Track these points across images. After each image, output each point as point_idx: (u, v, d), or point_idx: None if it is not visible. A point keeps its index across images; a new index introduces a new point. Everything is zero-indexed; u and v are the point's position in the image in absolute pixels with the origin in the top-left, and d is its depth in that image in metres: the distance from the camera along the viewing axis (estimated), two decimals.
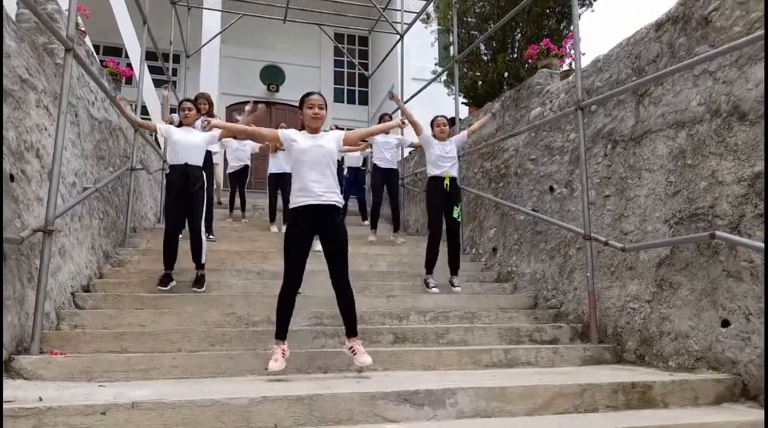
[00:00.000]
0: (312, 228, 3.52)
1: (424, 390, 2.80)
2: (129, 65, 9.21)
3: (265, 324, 4.29)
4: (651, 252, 4.03)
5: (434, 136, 5.72)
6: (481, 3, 8.12)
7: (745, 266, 3.26)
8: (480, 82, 8.20)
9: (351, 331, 3.52)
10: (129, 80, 7.76)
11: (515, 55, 7.93)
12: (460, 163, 5.70)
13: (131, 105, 6.84)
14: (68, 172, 4.42)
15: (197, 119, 5.41)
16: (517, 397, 2.91)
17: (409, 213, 9.39)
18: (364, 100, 16.51)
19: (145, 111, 9.45)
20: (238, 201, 8.86)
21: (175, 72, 11.74)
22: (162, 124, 5.23)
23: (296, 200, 3.51)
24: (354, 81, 16.73)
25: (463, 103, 8.44)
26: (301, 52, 15.79)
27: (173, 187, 5.03)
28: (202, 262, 4.99)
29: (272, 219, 8.00)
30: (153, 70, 10.82)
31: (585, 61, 5.09)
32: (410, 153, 10.08)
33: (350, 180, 9.29)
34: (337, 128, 10.60)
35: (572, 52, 5.55)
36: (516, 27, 7.88)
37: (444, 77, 8.82)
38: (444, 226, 5.58)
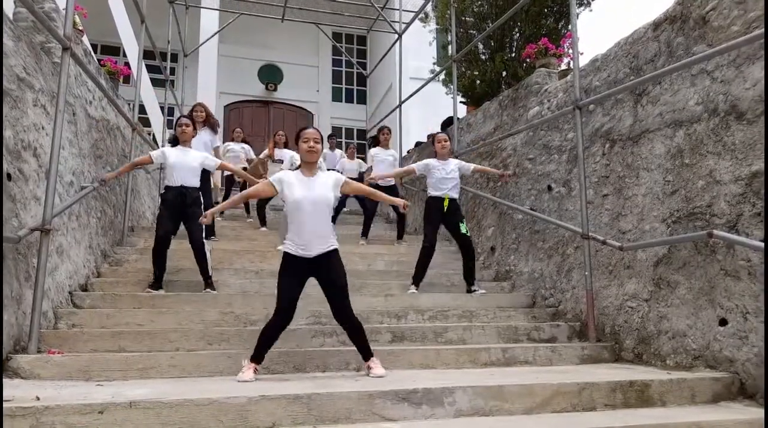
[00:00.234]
0: (307, 273, 3.45)
1: (423, 389, 2.80)
2: (127, 64, 9.20)
3: (263, 323, 4.24)
4: (649, 251, 4.03)
5: (435, 152, 5.63)
6: (480, 2, 8.12)
7: (743, 265, 3.27)
8: (478, 81, 8.20)
9: (366, 356, 3.47)
10: (127, 79, 7.77)
11: (513, 55, 7.93)
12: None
13: (129, 104, 6.83)
14: (66, 171, 4.42)
15: (194, 136, 5.33)
16: (515, 396, 2.91)
17: (408, 212, 9.37)
18: (362, 100, 16.50)
19: (142, 110, 9.42)
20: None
21: (173, 71, 11.74)
22: (154, 151, 5.16)
23: (290, 246, 3.42)
24: (352, 80, 16.72)
25: (461, 102, 8.44)
26: (300, 51, 15.77)
27: (168, 206, 4.95)
28: (210, 275, 4.96)
29: (262, 223, 7.92)
30: (151, 69, 10.82)
31: (583, 61, 5.09)
32: (408, 151, 10.08)
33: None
34: (334, 136, 10.61)
35: (570, 51, 5.55)
36: (514, 26, 7.88)
37: (442, 76, 8.82)
38: (458, 245, 5.54)
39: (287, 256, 3.45)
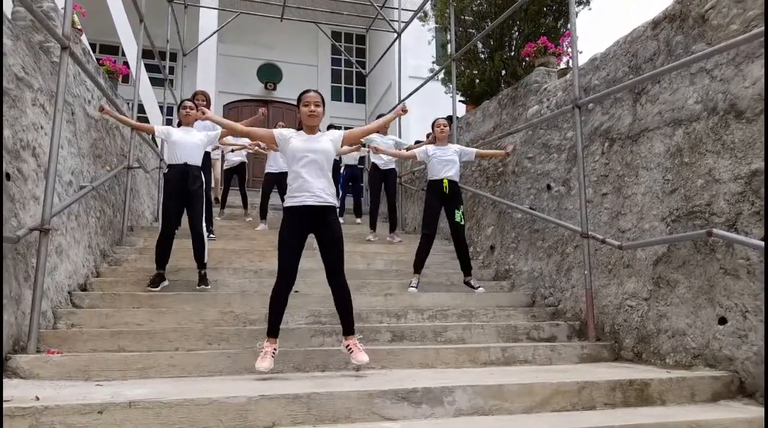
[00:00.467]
0: (306, 228, 3.49)
1: (422, 389, 2.80)
2: (126, 63, 9.18)
3: (262, 322, 4.28)
4: (648, 250, 4.03)
5: (434, 137, 5.66)
6: (479, 1, 8.11)
7: (742, 264, 3.27)
8: (477, 80, 8.19)
9: (348, 330, 3.51)
10: (126, 78, 7.75)
11: (512, 53, 7.92)
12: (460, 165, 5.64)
13: (128, 104, 6.82)
14: (65, 170, 4.41)
15: (196, 120, 5.37)
16: (515, 395, 2.91)
17: (407, 211, 9.38)
18: (361, 99, 16.50)
19: (141, 109, 9.41)
20: (231, 199, 8.82)
21: (172, 70, 11.72)
22: (160, 126, 5.18)
23: (291, 200, 3.50)
24: (351, 79, 16.72)
25: (460, 100, 8.43)
26: (299, 50, 15.77)
27: (171, 186, 4.95)
28: (204, 262, 4.96)
29: (263, 216, 7.92)
30: (150, 68, 10.79)
31: (582, 59, 5.09)
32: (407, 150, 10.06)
33: (347, 178, 9.35)
34: (334, 127, 10.62)
35: (569, 50, 5.55)
36: (513, 25, 7.88)
37: (441, 75, 8.81)
38: (450, 231, 5.56)
39: (286, 211, 3.50)
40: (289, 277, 3.45)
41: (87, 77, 4.91)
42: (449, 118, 7.37)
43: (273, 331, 3.45)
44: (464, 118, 7.63)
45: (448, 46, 8.18)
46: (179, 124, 5.27)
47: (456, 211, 5.44)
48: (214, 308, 4.42)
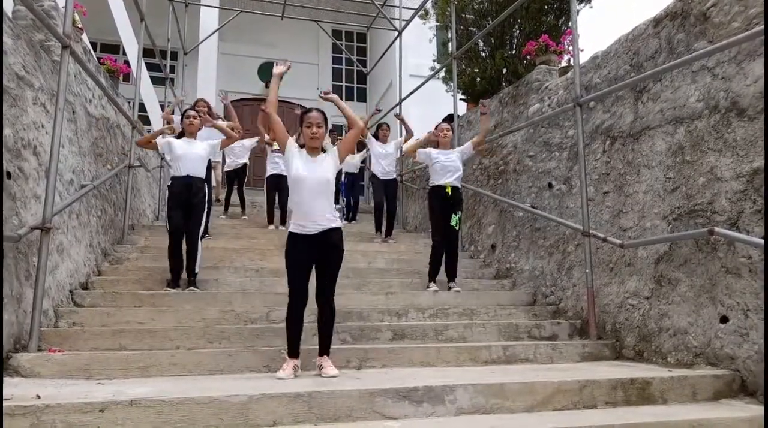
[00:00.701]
0: (312, 251, 3.45)
1: (423, 387, 2.80)
2: (126, 62, 9.18)
3: (263, 321, 4.29)
4: (650, 248, 4.02)
5: (436, 143, 5.64)
6: None
7: (744, 262, 3.26)
8: (478, 79, 8.18)
9: (324, 350, 3.45)
10: (126, 77, 7.74)
11: (513, 52, 7.91)
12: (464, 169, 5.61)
13: (128, 103, 6.82)
14: (65, 169, 4.41)
15: (200, 129, 5.37)
16: (516, 394, 2.91)
17: (408, 210, 9.38)
18: (362, 97, 16.48)
19: (142, 108, 9.42)
20: (234, 199, 8.87)
21: (173, 69, 11.72)
22: (161, 139, 5.16)
23: (295, 226, 3.46)
24: (352, 78, 16.69)
25: (461, 99, 8.43)
26: (299, 48, 15.73)
27: (175, 198, 4.97)
28: (195, 272, 4.97)
29: (270, 220, 7.98)
30: (150, 67, 10.78)
31: (583, 58, 5.08)
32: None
33: (347, 185, 9.43)
34: (335, 132, 10.63)
35: (571, 48, 5.54)
36: (514, 23, 7.86)
37: (442, 73, 8.80)
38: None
39: (290, 236, 3.48)
40: (301, 296, 3.40)
41: (88, 76, 4.91)
42: (450, 117, 7.38)
43: (293, 352, 3.40)
44: (465, 117, 7.62)
45: (449, 44, 8.16)
46: (182, 135, 5.21)
47: (453, 216, 5.40)
48: (215, 307, 4.42)
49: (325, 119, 3.60)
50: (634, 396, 3.05)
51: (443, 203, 5.42)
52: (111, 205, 5.83)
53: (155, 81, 10.77)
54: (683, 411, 2.88)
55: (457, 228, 5.46)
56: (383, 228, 7.58)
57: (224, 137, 5.36)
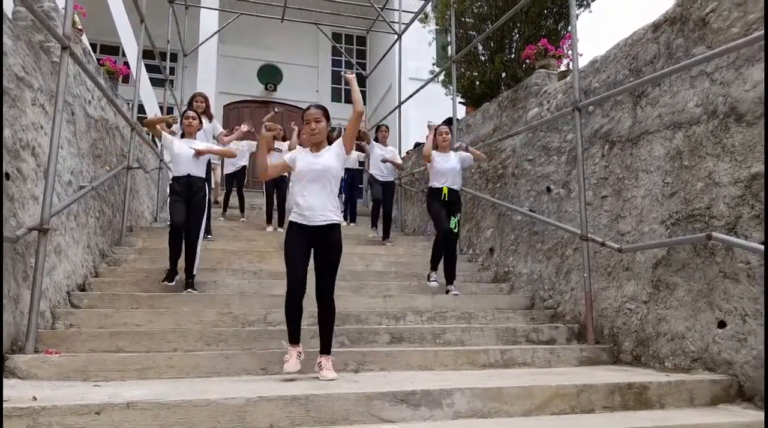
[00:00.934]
0: (309, 242, 3.47)
1: (421, 391, 2.79)
2: (126, 64, 9.18)
3: (261, 323, 4.28)
4: (648, 253, 4.03)
5: (436, 146, 5.65)
6: (479, 3, 8.11)
7: (742, 267, 3.27)
8: (478, 82, 8.20)
9: (324, 349, 3.44)
10: (126, 79, 7.75)
11: (513, 56, 7.93)
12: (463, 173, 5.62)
13: (128, 104, 6.82)
14: (64, 170, 4.41)
15: (199, 130, 5.43)
16: (514, 398, 2.91)
17: (407, 213, 9.38)
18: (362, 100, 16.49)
19: (141, 110, 9.41)
20: (233, 201, 8.90)
21: (172, 71, 11.72)
22: (167, 134, 5.20)
23: (294, 216, 3.50)
24: None
25: (460, 102, 8.44)
26: (299, 51, 15.75)
27: (176, 194, 5.07)
28: (194, 273, 4.98)
29: (269, 221, 8.01)
30: (150, 68, 10.79)
31: (582, 62, 5.09)
32: (408, 152, 10.07)
33: (348, 182, 9.40)
34: (335, 129, 10.64)
35: (570, 52, 5.55)
36: (514, 27, 7.88)
37: (442, 77, 8.81)
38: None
39: (291, 225, 3.50)
40: (298, 282, 3.41)
41: (87, 77, 4.90)
42: (449, 121, 7.38)
43: (293, 339, 3.43)
44: (464, 120, 7.63)
45: (449, 47, 8.18)
46: (182, 135, 5.26)
47: (452, 218, 5.42)
48: (213, 309, 4.41)
49: (326, 114, 3.62)
50: (631, 400, 3.05)
51: (442, 203, 5.44)
52: (109, 206, 5.82)
53: (155, 83, 10.77)
54: (681, 415, 2.88)
55: (455, 230, 5.47)
56: (379, 226, 7.59)
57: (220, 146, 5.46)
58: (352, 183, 9.55)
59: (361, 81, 16.11)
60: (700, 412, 2.97)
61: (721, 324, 3.38)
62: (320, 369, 3.35)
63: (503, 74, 7.93)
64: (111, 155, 5.93)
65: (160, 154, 8.14)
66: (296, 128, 7.38)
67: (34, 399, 2.46)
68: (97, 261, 5.22)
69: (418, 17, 9.33)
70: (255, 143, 8.56)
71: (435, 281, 5.42)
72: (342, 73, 3.93)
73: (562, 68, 6.10)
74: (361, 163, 9.34)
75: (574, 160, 4.92)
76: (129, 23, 9.62)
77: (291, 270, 3.42)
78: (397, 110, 10.04)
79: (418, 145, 10.06)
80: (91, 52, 5.85)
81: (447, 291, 5.36)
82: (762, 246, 2.93)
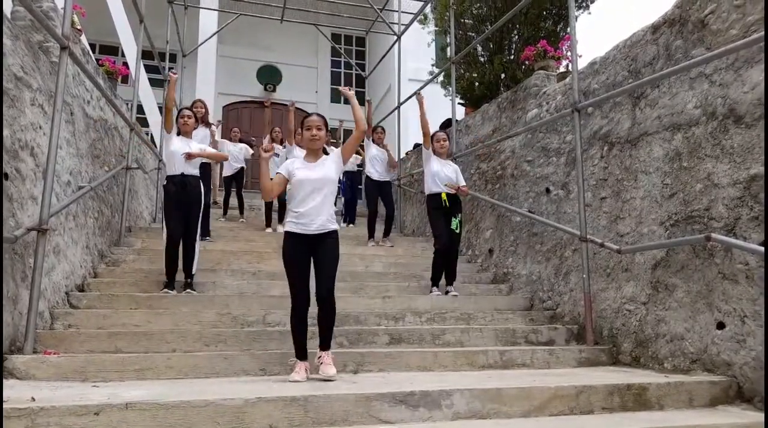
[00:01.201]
0: (307, 250, 3.45)
1: (420, 392, 2.79)
2: (125, 64, 9.18)
3: (260, 324, 4.28)
4: (647, 254, 4.03)
5: (434, 151, 5.65)
6: (479, 4, 8.12)
7: (741, 268, 3.27)
8: (477, 84, 8.20)
9: (324, 344, 3.43)
10: (125, 79, 7.74)
11: (512, 57, 7.93)
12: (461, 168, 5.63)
13: (127, 104, 6.82)
14: (63, 170, 4.40)
15: (195, 128, 5.42)
16: (513, 399, 2.90)
17: (406, 214, 9.38)
18: (361, 101, 16.27)
19: (141, 110, 9.41)
20: (232, 202, 8.93)
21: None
22: (172, 130, 5.18)
23: (291, 225, 3.46)
24: (351, 81, 16.68)
25: (459, 103, 8.45)
26: (298, 52, 15.76)
27: (170, 196, 5.00)
28: (192, 273, 4.96)
29: (268, 222, 8.01)
30: (149, 69, 10.79)
31: (582, 63, 5.10)
32: (407, 153, 10.07)
33: (347, 184, 9.43)
34: (340, 132, 10.61)
35: (569, 53, 5.56)
36: (513, 28, 7.89)
37: (441, 78, 8.82)
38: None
39: (287, 235, 3.48)
40: (302, 298, 3.39)
41: (86, 77, 4.90)
42: (448, 122, 7.39)
43: (300, 354, 3.41)
44: (463, 121, 7.63)
45: (448, 49, 8.19)
46: (178, 133, 5.23)
47: (453, 219, 5.42)
48: (212, 310, 4.41)
49: (326, 124, 3.63)
50: (630, 401, 3.05)
51: (443, 210, 5.44)
52: (108, 206, 5.81)
53: (154, 83, 10.77)
54: (680, 417, 2.88)
55: (458, 231, 5.46)
56: (377, 234, 7.60)
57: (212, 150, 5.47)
58: (351, 185, 9.58)
59: (360, 82, 16.15)
60: (699, 413, 2.97)
61: (720, 326, 3.38)
62: (320, 364, 3.35)
63: (502, 75, 7.94)
64: (110, 155, 5.92)
65: (159, 154, 8.13)
66: (293, 109, 7.33)
67: (33, 399, 2.46)
68: (96, 261, 5.21)
69: (418, 18, 9.33)
70: (251, 150, 8.69)
71: (438, 293, 5.34)
72: (340, 89, 3.91)
73: (562, 69, 6.10)
74: (360, 166, 9.35)
75: (573, 161, 4.92)
76: (128, 23, 9.62)
77: (295, 286, 3.40)
78: (396, 111, 10.04)
79: (417, 145, 10.06)
80: (90, 53, 5.85)
81: (446, 292, 5.35)
82: (761, 248, 2.93)
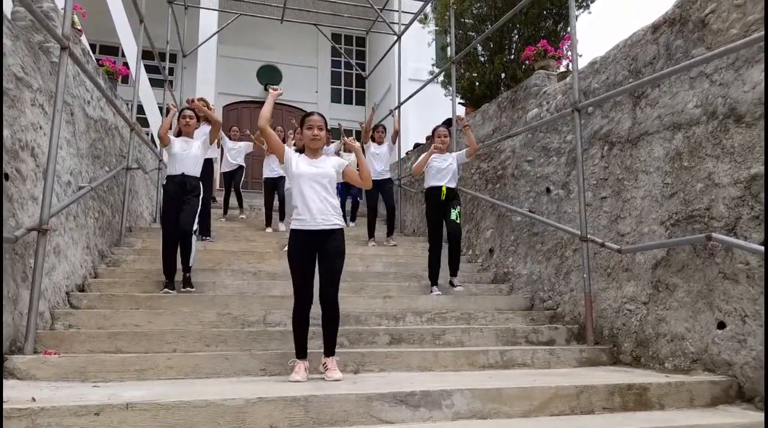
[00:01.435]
0: (313, 248, 3.46)
1: (420, 392, 2.79)
2: (125, 64, 9.18)
3: (260, 324, 4.28)
4: (647, 253, 4.03)
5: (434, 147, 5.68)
6: (479, 4, 8.12)
7: (741, 268, 3.27)
8: (477, 83, 8.20)
9: (329, 350, 3.44)
10: (125, 79, 7.74)
11: (512, 56, 7.93)
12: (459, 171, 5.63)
13: (127, 104, 6.82)
14: (63, 170, 4.40)
15: (197, 128, 5.41)
16: (514, 399, 2.90)
17: (406, 213, 9.38)
18: (361, 101, 16.50)
19: (141, 110, 9.41)
20: (232, 201, 8.94)
21: (171, 71, 11.72)
22: (173, 139, 5.18)
23: (296, 222, 3.48)
24: (351, 81, 16.71)
25: (460, 103, 8.44)
26: (299, 52, 15.77)
27: (169, 197, 4.99)
28: (190, 265, 4.96)
29: (268, 222, 8.01)
30: (149, 69, 10.79)
31: (582, 63, 5.09)
32: (407, 153, 10.07)
33: (346, 184, 9.38)
34: (340, 133, 10.62)
35: (569, 53, 5.56)
36: (513, 28, 7.89)
37: (441, 78, 8.82)
38: (445, 231, 5.55)
39: (292, 233, 3.48)
40: (305, 297, 3.40)
41: (86, 78, 4.90)
42: (448, 122, 7.39)
43: (300, 353, 3.41)
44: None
45: (448, 48, 8.18)
46: (179, 134, 5.24)
47: (452, 210, 5.44)
48: (212, 310, 4.40)
49: (326, 124, 3.65)
50: (631, 401, 3.04)
51: (439, 206, 5.45)
52: (108, 206, 5.81)
53: (154, 83, 10.77)
54: (680, 416, 2.88)
55: (458, 221, 5.48)
56: (377, 235, 7.60)
57: (210, 128, 5.38)
58: (350, 185, 9.54)
59: (361, 82, 16.15)
60: (700, 413, 2.97)
61: (721, 325, 3.38)
62: (326, 370, 3.36)
63: (503, 75, 7.93)
64: (110, 156, 5.93)
65: (159, 154, 8.14)
66: (294, 130, 7.39)
67: (33, 400, 2.46)
68: (97, 261, 5.21)
69: (418, 18, 9.33)
70: (251, 144, 8.66)
71: (438, 293, 5.34)
72: (346, 140, 3.92)
73: (562, 69, 6.10)
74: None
75: (573, 160, 4.92)
76: (128, 24, 9.62)
77: (297, 278, 3.40)
78: (396, 111, 10.03)
79: (417, 145, 10.06)
80: (91, 53, 5.85)
81: (450, 283, 5.37)
82: (762, 247, 2.93)
